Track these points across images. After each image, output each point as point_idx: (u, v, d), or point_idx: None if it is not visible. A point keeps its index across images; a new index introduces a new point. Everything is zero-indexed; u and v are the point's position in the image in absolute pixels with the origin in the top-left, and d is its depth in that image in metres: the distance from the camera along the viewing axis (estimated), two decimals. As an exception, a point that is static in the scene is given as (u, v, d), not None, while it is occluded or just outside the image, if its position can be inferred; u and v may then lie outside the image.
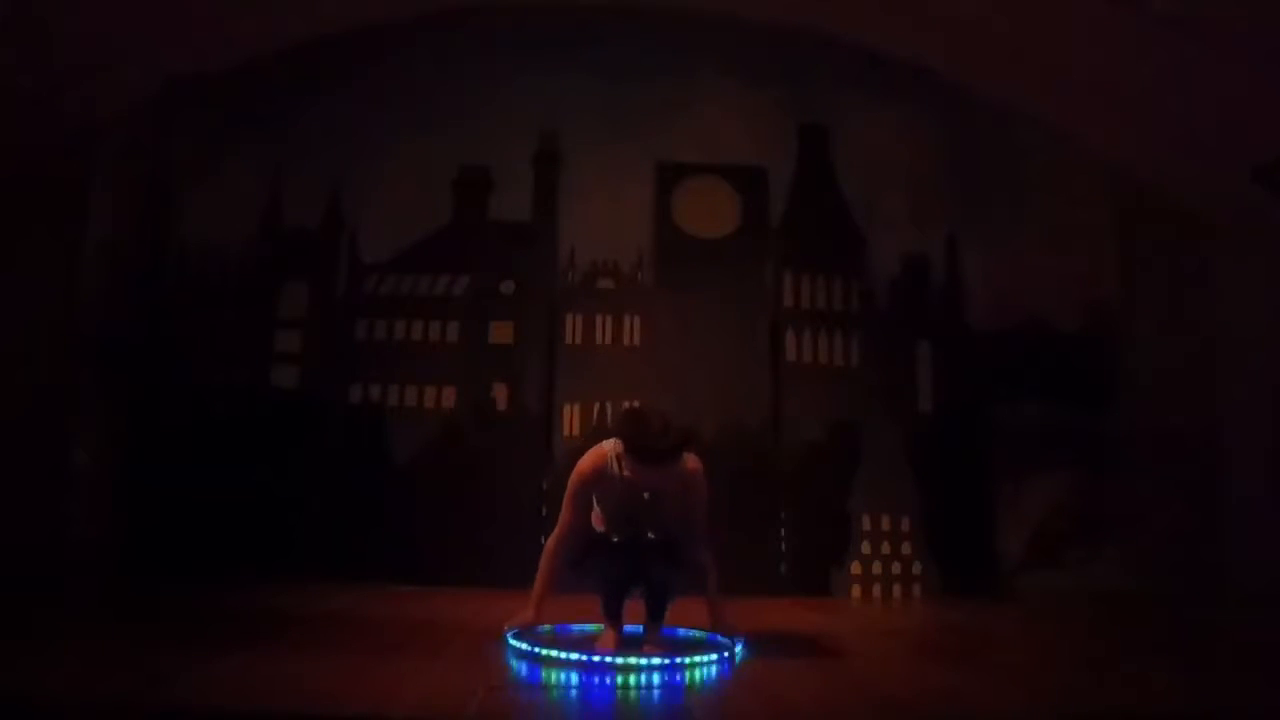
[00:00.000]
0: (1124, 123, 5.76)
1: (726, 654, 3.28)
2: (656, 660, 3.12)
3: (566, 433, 5.74)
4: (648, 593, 3.50)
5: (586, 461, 3.36)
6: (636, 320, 5.95)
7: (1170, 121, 5.51)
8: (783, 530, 5.71)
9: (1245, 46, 4.72)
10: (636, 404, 3.33)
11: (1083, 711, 2.75)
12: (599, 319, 5.96)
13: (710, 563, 3.44)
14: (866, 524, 5.58)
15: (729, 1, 6.07)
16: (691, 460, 3.33)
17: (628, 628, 3.43)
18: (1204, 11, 4.70)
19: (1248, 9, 4.55)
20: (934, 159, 6.15)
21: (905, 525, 5.58)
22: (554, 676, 2.98)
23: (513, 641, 3.33)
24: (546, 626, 3.53)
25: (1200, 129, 5.40)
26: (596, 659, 3.11)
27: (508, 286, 6.00)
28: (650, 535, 3.35)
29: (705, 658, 3.20)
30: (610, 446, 3.32)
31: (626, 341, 5.95)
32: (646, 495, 3.28)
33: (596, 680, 2.94)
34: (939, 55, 5.99)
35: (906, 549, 5.56)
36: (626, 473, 3.24)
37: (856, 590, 5.52)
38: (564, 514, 3.40)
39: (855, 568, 5.54)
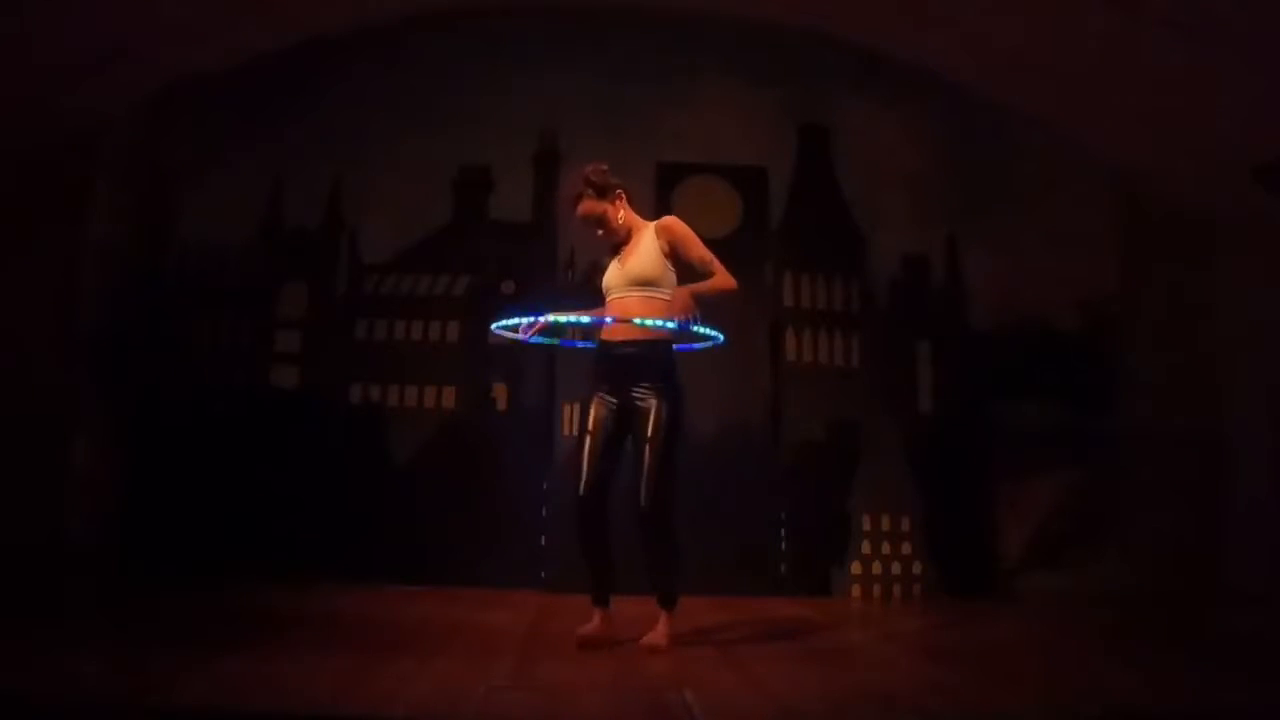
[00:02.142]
0: (1124, 123, 5.76)
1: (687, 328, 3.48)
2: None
3: (566, 432, 5.73)
4: (649, 570, 3.52)
5: None
6: (636, 320, 5.94)
7: (1170, 122, 5.51)
8: (783, 530, 5.71)
9: (1246, 47, 4.72)
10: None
11: (1083, 711, 2.75)
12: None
13: (721, 275, 3.61)
14: (866, 524, 5.58)
15: (729, 1, 6.06)
16: (661, 220, 3.64)
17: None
18: (1204, 12, 4.70)
19: (1248, 9, 4.54)
20: (934, 159, 6.14)
21: (905, 525, 5.58)
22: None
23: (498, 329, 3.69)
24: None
25: (1201, 129, 5.40)
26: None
27: (508, 286, 6.00)
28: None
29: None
30: None
31: (626, 341, 5.95)
32: (617, 261, 3.63)
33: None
34: (939, 55, 5.98)
35: (906, 549, 5.56)
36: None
37: (856, 590, 5.52)
38: None
39: (855, 568, 5.55)
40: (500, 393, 5.88)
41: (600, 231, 3.64)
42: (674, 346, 3.59)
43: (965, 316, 6.05)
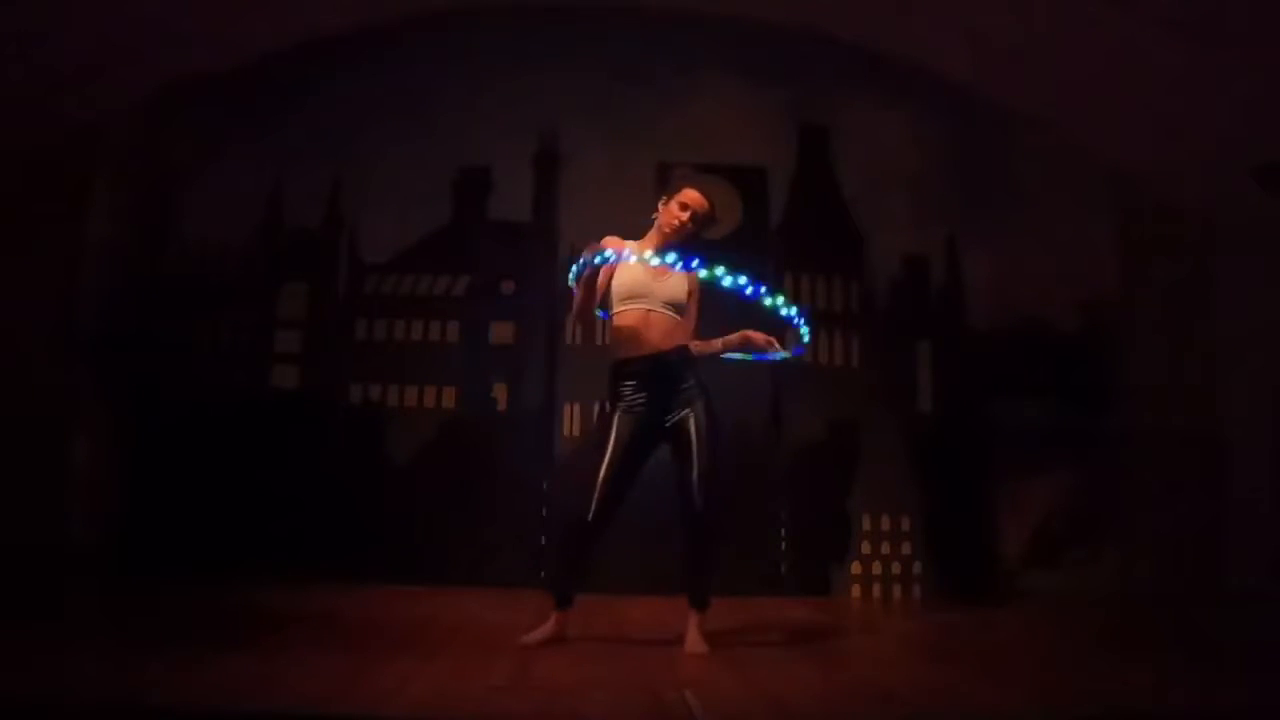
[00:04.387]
0: (1125, 123, 5.76)
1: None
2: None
3: (566, 432, 5.74)
4: (690, 571, 3.48)
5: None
6: (636, 320, 5.93)
7: (1171, 122, 5.51)
8: (783, 530, 5.71)
9: (1246, 47, 4.72)
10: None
11: (1083, 712, 2.75)
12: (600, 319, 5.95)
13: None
14: (866, 524, 5.58)
15: (729, 1, 6.06)
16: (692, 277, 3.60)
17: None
18: (1204, 12, 4.70)
19: (1248, 9, 4.55)
20: (935, 159, 6.14)
21: (905, 525, 5.58)
22: None
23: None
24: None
25: (1201, 129, 5.40)
26: None
27: (508, 286, 6.00)
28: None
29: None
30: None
31: (626, 341, 5.94)
32: (647, 270, 3.55)
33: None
34: (939, 55, 5.99)
35: (906, 549, 5.56)
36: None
37: (856, 590, 5.52)
38: None
39: (855, 568, 5.54)
40: (500, 393, 5.87)
41: (669, 236, 3.62)
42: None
43: (965, 316, 6.05)
